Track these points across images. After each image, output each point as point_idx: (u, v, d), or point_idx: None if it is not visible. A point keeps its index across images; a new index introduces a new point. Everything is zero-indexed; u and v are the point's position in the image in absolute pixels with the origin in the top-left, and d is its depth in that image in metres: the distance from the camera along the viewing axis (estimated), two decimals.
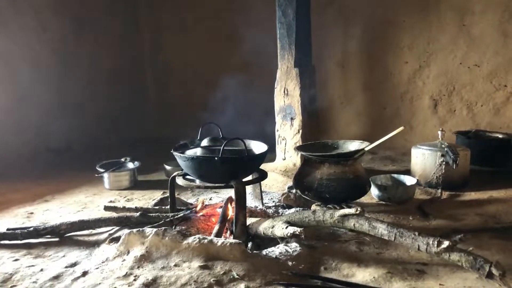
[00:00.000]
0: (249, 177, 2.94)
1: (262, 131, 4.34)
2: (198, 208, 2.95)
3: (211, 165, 2.61)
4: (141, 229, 2.46)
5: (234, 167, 2.68)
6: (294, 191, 3.34)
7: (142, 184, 4.18)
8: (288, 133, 4.36)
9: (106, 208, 3.20)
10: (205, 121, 3.57)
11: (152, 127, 6.69)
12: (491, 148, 4.33)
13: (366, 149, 3.17)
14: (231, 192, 2.82)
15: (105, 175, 4.04)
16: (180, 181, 2.88)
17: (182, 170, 2.91)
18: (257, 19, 5.44)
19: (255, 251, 2.42)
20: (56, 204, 3.62)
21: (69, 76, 5.59)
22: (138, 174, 4.28)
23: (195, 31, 6.50)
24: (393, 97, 5.60)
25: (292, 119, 4.31)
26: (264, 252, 2.41)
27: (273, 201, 3.39)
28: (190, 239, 2.33)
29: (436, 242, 2.06)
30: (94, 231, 2.88)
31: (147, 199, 3.69)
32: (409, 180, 3.55)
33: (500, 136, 4.49)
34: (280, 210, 3.14)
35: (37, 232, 2.74)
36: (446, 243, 2.03)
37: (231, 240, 2.36)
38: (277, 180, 4.02)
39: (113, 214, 3.03)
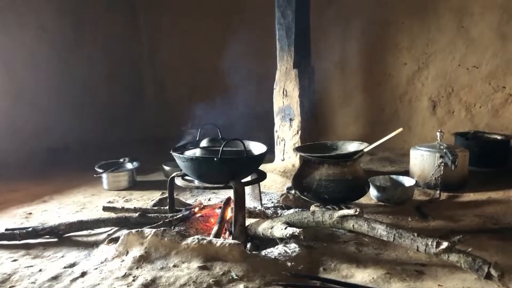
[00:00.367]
0: (248, 178, 2.94)
1: (262, 132, 4.35)
2: (197, 209, 2.95)
3: (210, 165, 2.61)
4: (140, 229, 2.46)
5: (233, 168, 2.68)
6: (293, 191, 3.34)
7: (141, 185, 4.18)
8: (287, 134, 4.37)
9: (105, 209, 3.20)
10: (204, 122, 3.57)
11: (151, 128, 6.68)
12: (489, 149, 4.34)
13: (365, 150, 3.18)
14: (230, 193, 2.82)
15: (104, 175, 4.03)
16: (179, 181, 2.88)
17: (181, 170, 2.91)
18: (256, 20, 5.46)
19: (254, 252, 2.42)
20: (54, 205, 3.62)
21: (68, 76, 5.59)
22: (137, 174, 4.28)
23: (194, 32, 6.51)
24: (392, 98, 5.60)
25: (291, 120, 4.31)
26: (263, 252, 2.41)
27: (272, 202, 3.39)
28: (189, 240, 2.33)
29: (435, 243, 2.07)
30: (93, 232, 2.88)
31: (146, 199, 3.69)
32: (407, 181, 3.56)
33: (499, 137, 4.50)
34: (279, 211, 3.14)
35: (35, 232, 2.74)
36: (445, 244, 2.03)
37: (230, 240, 2.36)
38: (276, 181, 4.02)
39: (112, 215, 3.03)
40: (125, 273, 2.21)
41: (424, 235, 2.15)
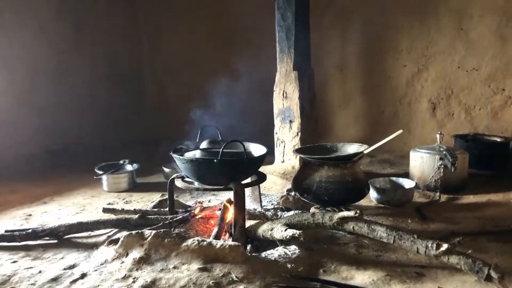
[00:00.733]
0: (248, 180, 2.94)
1: (262, 134, 4.36)
2: (197, 211, 2.95)
3: (210, 167, 2.61)
4: (140, 231, 2.46)
5: (233, 170, 2.68)
6: (293, 193, 3.34)
7: (141, 186, 4.18)
8: (287, 136, 4.37)
9: (105, 210, 3.20)
10: (204, 123, 3.58)
11: (151, 129, 6.69)
12: (489, 152, 4.35)
13: (365, 152, 3.18)
14: (230, 195, 2.82)
15: (104, 177, 4.03)
16: (179, 183, 2.88)
17: (181, 172, 2.91)
18: (256, 22, 5.47)
19: (254, 254, 2.41)
20: (54, 206, 3.61)
21: (67, 77, 5.59)
22: (137, 176, 4.28)
23: (194, 33, 6.51)
24: (391, 100, 5.61)
25: (291, 122, 4.31)
26: (263, 254, 2.41)
27: (272, 204, 3.40)
28: (189, 241, 2.33)
29: (435, 245, 2.07)
30: (92, 233, 2.87)
31: (145, 201, 3.69)
32: (407, 183, 3.56)
33: (498, 139, 4.50)
34: (279, 213, 3.14)
35: (35, 234, 2.74)
36: (445, 246, 2.04)
37: (230, 242, 2.36)
38: (275, 183, 4.02)
39: (112, 216, 3.03)
40: (125, 274, 2.21)
41: (424, 237, 2.16)
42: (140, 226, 2.78)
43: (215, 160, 2.54)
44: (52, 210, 3.52)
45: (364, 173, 3.37)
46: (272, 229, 2.51)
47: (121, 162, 4.30)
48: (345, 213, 2.38)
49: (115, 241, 2.56)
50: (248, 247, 2.55)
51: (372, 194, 3.43)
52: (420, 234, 2.20)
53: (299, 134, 4.28)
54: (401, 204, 3.35)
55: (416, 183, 3.63)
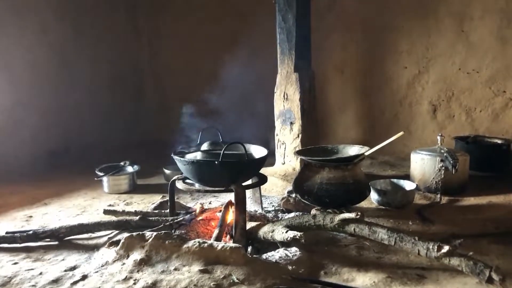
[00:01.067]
0: (249, 181, 2.94)
1: (263, 135, 4.37)
2: (197, 212, 2.95)
3: (211, 169, 2.61)
4: (141, 233, 2.46)
5: (234, 171, 2.68)
6: (293, 195, 3.34)
7: (142, 188, 4.18)
8: (287, 138, 4.37)
9: (106, 212, 3.20)
10: (205, 125, 3.58)
11: (151, 130, 6.69)
12: (490, 154, 4.35)
13: (366, 154, 3.18)
14: (230, 196, 2.82)
15: (105, 178, 4.03)
16: (179, 185, 2.88)
17: (181, 174, 2.91)
18: (257, 23, 5.47)
19: (255, 255, 2.42)
20: (55, 208, 3.62)
21: (68, 79, 5.59)
22: (138, 177, 4.28)
23: (194, 34, 6.52)
24: (392, 102, 5.61)
25: (291, 123, 4.32)
26: (264, 256, 2.41)
27: (273, 206, 3.40)
28: (190, 243, 2.33)
29: (436, 247, 2.07)
30: (93, 235, 2.87)
31: (146, 203, 3.69)
32: (408, 185, 3.56)
33: (499, 141, 4.50)
34: (280, 215, 3.14)
35: (36, 235, 2.74)
36: (446, 248, 2.04)
37: (231, 244, 2.36)
38: (276, 185, 4.02)
39: (113, 218, 3.03)
40: (126, 276, 2.21)
41: (425, 239, 2.16)
42: (141, 228, 2.78)
43: (216, 162, 2.54)
44: (53, 211, 3.52)
45: (365, 175, 3.38)
46: (273, 231, 2.51)
47: (122, 163, 4.30)
48: (346, 215, 2.38)
49: (116, 243, 2.55)
50: (249, 249, 2.55)
51: (373, 196, 3.43)
52: (421, 236, 2.20)
53: (300, 136, 4.28)
54: (402, 206, 3.35)
55: (417, 185, 3.63)
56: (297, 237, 2.32)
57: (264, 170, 3.50)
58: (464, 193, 3.67)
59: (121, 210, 3.21)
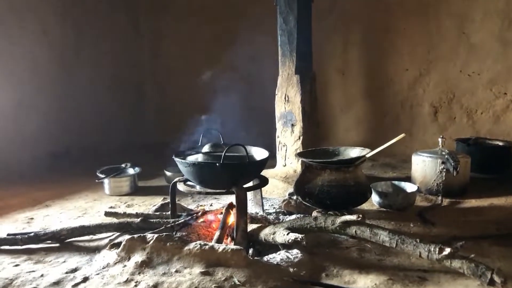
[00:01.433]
0: (250, 183, 2.94)
1: (264, 137, 4.36)
2: (199, 214, 2.95)
3: (212, 171, 2.61)
4: (142, 235, 2.46)
5: (235, 173, 2.68)
6: (295, 197, 3.34)
7: (143, 190, 4.18)
8: (288, 140, 4.37)
9: (107, 214, 3.20)
10: (206, 126, 3.58)
11: (152, 132, 6.70)
12: (491, 156, 4.34)
13: (367, 156, 3.18)
14: (232, 198, 2.82)
15: (106, 180, 4.04)
16: (181, 187, 2.88)
17: (182, 176, 2.91)
18: (258, 25, 5.48)
19: (256, 258, 2.41)
20: (56, 210, 3.62)
21: (69, 80, 5.60)
22: (139, 179, 4.28)
23: (195, 36, 6.53)
24: (393, 104, 5.61)
25: (292, 125, 4.32)
26: (265, 258, 2.40)
27: (274, 208, 3.39)
28: (191, 245, 2.33)
29: (437, 249, 2.06)
30: (94, 237, 2.87)
31: (147, 205, 3.69)
32: (409, 187, 3.56)
33: (500, 143, 4.50)
34: (281, 217, 3.13)
35: (37, 237, 2.74)
36: (447, 250, 2.03)
37: (232, 246, 2.36)
38: (277, 187, 4.02)
39: (114, 220, 3.03)
40: (127, 278, 2.21)
41: (427, 241, 2.15)
42: (142, 230, 2.78)
43: (217, 164, 2.54)
44: (54, 213, 3.52)
45: (366, 177, 3.38)
46: (274, 233, 2.51)
47: (123, 165, 4.29)
48: (348, 217, 2.38)
49: (117, 245, 2.55)
50: (250, 251, 2.55)
51: (374, 198, 3.43)
52: (422, 238, 2.19)
53: (301, 137, 4.28)
54: (403, 208, 3.35)
55: (418, 187, 3.63)
56: (299, 239, 2.32)
57: (265, 172, 3.51)
58: (465, 195, 3.66)
59: (122, 212, 3.20)
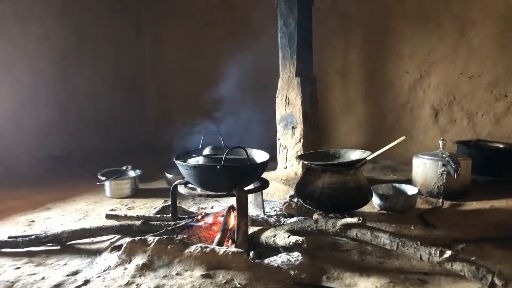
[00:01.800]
0: (251, 186, 2.94)
1: (265, 140, 4.37)
2: (199, 217, 2.95)
3: (213, 173, 2.62)
4: (143, 237, 2.46)
5: (236, 176, 2.68)
6: (295, 200, 3.34)
7: (143, 192, 4.18)
8: (289, 142, 4.37)
9: (108, 216, 3.20)
10: (206, 129, 3.58)
11: (153, 135, 6.70)
12: (492, 158, 4.33)
13: (368, 158, 3.18)
14: (232, 201, 2.82)
15: (107, 183, 4.04)
16: (181, 189, 2.88)
17: (183, 178, 2.92)
18: (258, 28, 5.49)
19: (257, 260, 2.41)
20: (57, 212, 3.62)
21: (70, 83, 5.61)
22: (139, 182, 4.28)
23: (196, 40, 6.54)
24: (393, 107, 5.62)
25: (293, 128, 4.32)
26: (266, 261, 2.40)
27: (275, 210, 3.39)
28: (192, 248, 2.33)
29: (438, 252, 2.06)
30: (95, 239, 2.87)
31: (148, 207, 3.69)
32: (410, 190, 3.55)
33: (501, 146, 4.49)
34: (282, 219, 3.13)
35: (38, 240, 2.74)
36: (448, 253, 2.03)
37: (233, 249, 2.36)
38: (278, 189, 4.02)
39: (115, 222, 3.03)
40: (128, 281, 2.21)
41: (427, 243, 2.15)
42: (143, 233, 2.78)
43: (218, 167, 2.55)
44: (55, 216, 3.52)
45: (366, 179, 3.37)
46: (275, 235, 2.51)
47: (124, 168, 4.30)
48: (348, 220, 2.38)
49: (118, 248, 2.56)
50: (251, 253, 2.55)
51: (375, 200, 3.43)
52: (423, 240, 2.19)
53: (302, 140, 4.29)
54: (404, 210, 3.35)
55: (418, 189, 3.62)
56: (299, 242, 2.32)
57: (266, 175, 3.51)
58: (466, 198, 3.66)
59: (123, 215, 3.21)
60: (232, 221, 2.76)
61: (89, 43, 5.91)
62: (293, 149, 4.34)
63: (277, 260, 2.40)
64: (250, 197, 3.18)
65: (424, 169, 3.75)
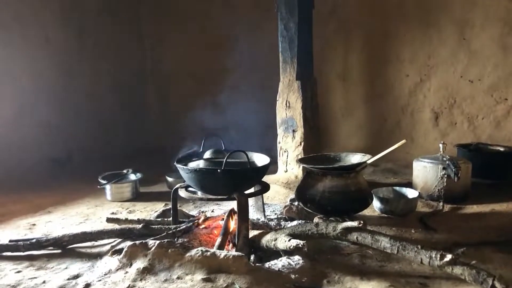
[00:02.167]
0: (252, 189, 2.95)
1: (265, 143, 4.38)
2: (200, 221, 2.95)
3: (214, 177, 2.62)
4: (144, 241, 2.46)
5: (236, 179, 2.69)
6: (296, 203, 3.34)
7: (144, 196, 4.19)
8: (290, 145, 4.38)
9: (109, 220, 3.20)
10: (207, 133, 3.59)
11: (154, 138, 6.70)
12: (492, 161, 4.33)
13: (368, 162, 3.18)
14: (233, 204, 2.82)
15: (107, 186, 4.04)
16: (182, 193, 2.89)
17: (184, 182, 2.92)
18: (259, 32, 5.51)
19: (257, 264, 2.41)
20: (58, 216, 3.62)
21: (71, 87, 5.62)
22: (140, 185, 4.29)
23: (196, 42, 6.55)
24: (394, 110, 5.62)
25: (294, 131, 4.33)
26: (266, 265, 2.40)
27: (275, 214, 3.39)
28: (192, 252, 2.33)
29: (438, 256, 2.06)
30: (96, 243, 2.88)
31: (149, 211, 3.69)
32: (411, 193, 3.55)
33: (501, 149, 4.49)
34: (283, 223, 3.13)
35: (39, 243, 2.74)
36: (449, 257, 2.03)
37: (234, 252, 2.37)
38: (279, 193, 4.02)
39: (116, 226, 3.03)
40: (129, 285, 2.21)
41: (428, 247, 2.15)
42: (143, 236, 2.78)
43: (218, 170, 2.55)
44: (56, 219, 3.52)
45: (367, 182, 3.38)
46: (276, 239, 2.51)
47: (125, 171, 4.30)
48: (349, 223, 2.38)
49: (118, 251, 2.56)
50: (252, 257, 2.55)
51: (376, 204, 3.43)
52: (423, 244, 2.19)
53: (302, 143, 4.29)
54: (405, 214, 3.35)
55: (419, 192, 3.62)
56: (300, 245, 2.32)
57: (266, 178, 3.50)
58: (466, 201, 3.66)
59: (124, 218, 3.20)
60: (233, 224, 2.76)
61: (90, 46, 5.92)
62: (293, 152, 4.35)
63: (278, 263, 2.41)
64: (251, 201, 3.18)
65: (425, 173, 3.75)
